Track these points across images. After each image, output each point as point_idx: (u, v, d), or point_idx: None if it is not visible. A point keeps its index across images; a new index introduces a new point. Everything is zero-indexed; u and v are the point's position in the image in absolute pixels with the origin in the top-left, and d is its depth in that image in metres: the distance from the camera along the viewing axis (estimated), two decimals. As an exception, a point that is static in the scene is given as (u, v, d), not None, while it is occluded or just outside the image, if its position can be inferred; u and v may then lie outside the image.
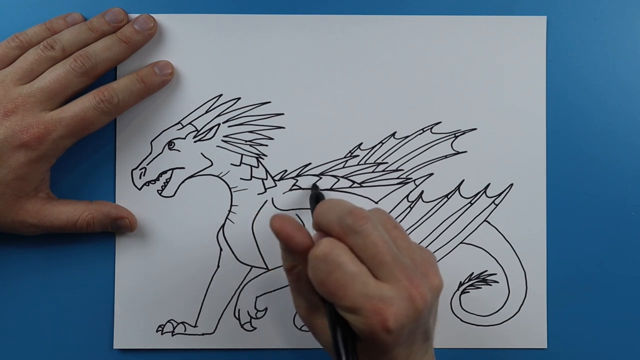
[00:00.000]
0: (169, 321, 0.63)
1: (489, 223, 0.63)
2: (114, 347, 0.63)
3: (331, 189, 0.63)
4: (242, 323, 0.63)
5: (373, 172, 0.63)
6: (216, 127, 0.63)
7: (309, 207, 0.63)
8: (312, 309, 0.54)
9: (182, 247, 0.63)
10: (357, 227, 0.49)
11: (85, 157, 0.63)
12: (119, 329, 0.63)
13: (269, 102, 0.63)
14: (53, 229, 0.60)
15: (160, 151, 0.63)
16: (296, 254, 0.51)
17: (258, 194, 0.63)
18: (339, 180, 0.63)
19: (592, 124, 0.64)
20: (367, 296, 0.48)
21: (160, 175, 0.63)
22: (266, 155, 0.63)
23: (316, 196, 0.59)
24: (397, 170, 0.63)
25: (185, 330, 0.63)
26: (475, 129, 0.63)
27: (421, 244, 0.63)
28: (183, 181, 0.63)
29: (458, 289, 0.64)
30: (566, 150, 0.64)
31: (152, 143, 0.63)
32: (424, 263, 0.51)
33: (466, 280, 0.63)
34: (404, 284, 0.48)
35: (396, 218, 0.63)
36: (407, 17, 0.63)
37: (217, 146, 0.63)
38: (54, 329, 0.63)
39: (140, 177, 0.63)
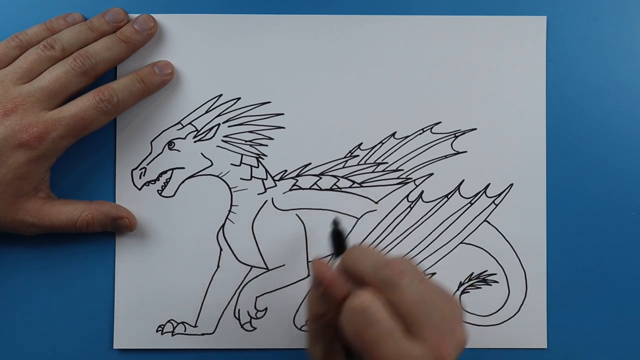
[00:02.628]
0: (169, 321, 0.63)
1: (489, 223, 0.63)
2: (114, 347, 0.63)
3: (331, 189, 0.63)
4: (242, 323, 0.63)
5: (373, 172, 0.63)
6: (216, 127, 0.63)
7: (309, 207, 0.63)
8: (329, 356, 0.53)
9: (182, 247, 0.63)
10: (395, 281, 0.48)
11: (85, 157, 0.63)
12: (119, 329, 0.63)
13: (269, 102, 0.63)
14: (53, 229, 0.60)
15: (160, 151, 0.63)
16: (331, 302, 0.51)
17: (258, 194, 0.63)
18: (339, 180, 0.63)
19: (592, 124, 0.64)
20: (398, 356, 0.47)
21: (160, 175, 0.63)
22: (266, 155, 0.63)
23: (338, 233, 0.58)
24: (397, 170, 0.63)
25: (185, 330, 0.63)
26: (475, 129, 0.63)
27: (421, 244, 0.63)
28: (183, 181, 0.63)
29: (458, 289, 0.63)
30: (566, 150, 0.64)
31: (152, 143, 0.63)
32: (452, 318, 0.50)
33: (466, 280, 0.63)
34: (434, 344, 0.48)
35: (396, 218, 0.63)
36: (407, 17, 0.63)
37: (217, 146, 0.63)
38: (54, 329, 0.63)
39: (140, 177, 0.63)
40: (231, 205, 0.63)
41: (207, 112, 0.63)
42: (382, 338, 0.48)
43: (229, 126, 0.63)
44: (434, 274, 0.63)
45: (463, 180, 0.63)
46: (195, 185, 0.63)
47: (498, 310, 0.64)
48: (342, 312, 0.49)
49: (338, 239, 0.57)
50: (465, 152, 0.63)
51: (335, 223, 0.58)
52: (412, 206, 0.63)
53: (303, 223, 0.63)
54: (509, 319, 0.63)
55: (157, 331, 0.63)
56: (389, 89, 0.63)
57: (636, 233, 0.64)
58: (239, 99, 0.63)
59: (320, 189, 0.63)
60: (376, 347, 0.48)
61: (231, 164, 0.63)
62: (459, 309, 0.52)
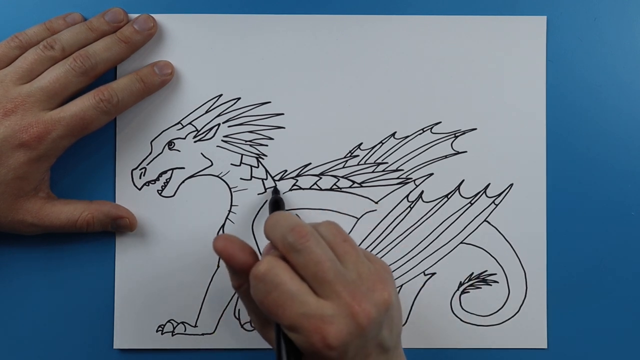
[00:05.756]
0: (169, 321, 0.63)
1: (489, 223, 0.63)
2: (114, 347, 0.63)
3: (331, 189, 0.63)
4: (242, 323, 0.63)
5: (373, 172, 0.63)
6: (216, 127, 0.63)
7: (309, 207, 0.63)
8: (264, 323, 0.55)
9: (182, 247, 0.63)
10: (298, 245, 0.49)
11: (85, 157, 0.63)
12: (119, 329, 0.63)
13: (269, 102, 0.63)
14: (53, 229, 0.60)
15: (160, 151, 0.63)
16: (240, 273, 0.52)
17: (258, 194, 0.63)
18: (339, 180, 0.63)
19: (592, 124, 0.64)
20: (305, 315, 0.48)
21: (160, 175, 0.63)
22: (266, 155, 0.63)
23: (275, 202, 0.60)
24: (397, 170, 0.63)
25: (185, 330, 0.63)
26: (475, 129, 0.63)
27: (421, 244, 0.63)
28: (183, 181, 0.63)
29: (458, 289, 0.63)
30: (566, 150, 0.64)
31: (152, 143, 0.63)
32: (371, 277, 0.51)
33: (466, 280, 0.63)
34: (346, 300, 0.48)
35: (396, 218, 0.63)
36: (407, 17, 0.63)
37: (217, 146, 0.63)
38: (54, 329, 0.63)
39: (140, 177, 0.63)
40: (231, 205, 0.63)
41: (207, 112, 0.63)
42: (286, 300, 0.48)
43: (229, 126, 0.63)
44: (434, 274, 0.63)
45: (463, 180, 0.63)
46: (195, 185, 0.63)
47: (498, 310, 0.64)
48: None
49: (274, 207, 0.58)
50: (465, 152, 0.63)
51: (275, 191, 0.62)
52: (412, 206, 0.63)
53: (303, 223, 0.63)
54: (509, 319, 0.64)
55: (157, 331, 0.63)
56: (389, 89, 0.63)
57: (636, 233, 0.64)
58: (239, 99, 0.63)
59: (320, 189, 0.63)
60: (281, 310, 0.49)
61: (231, 164, 0.63)
62: (383, 269, 0.52)
